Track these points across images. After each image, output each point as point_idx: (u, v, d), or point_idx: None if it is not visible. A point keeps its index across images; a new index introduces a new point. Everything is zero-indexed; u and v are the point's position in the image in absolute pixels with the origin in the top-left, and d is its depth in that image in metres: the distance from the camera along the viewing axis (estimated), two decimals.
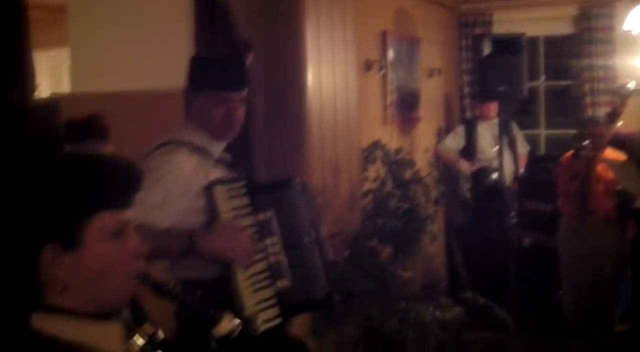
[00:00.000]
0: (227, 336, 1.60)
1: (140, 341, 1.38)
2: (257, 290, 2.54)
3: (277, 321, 2.59)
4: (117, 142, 2.96)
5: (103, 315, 1.27)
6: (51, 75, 6.88)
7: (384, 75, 5.23)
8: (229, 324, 1.59)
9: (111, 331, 1.27)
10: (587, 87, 6.43)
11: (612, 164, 4.76)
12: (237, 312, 2.47)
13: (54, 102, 3.80)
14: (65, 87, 6.83)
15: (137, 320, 1.40)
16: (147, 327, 1.43)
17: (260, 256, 2.56)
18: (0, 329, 1.15)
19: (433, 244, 5.07)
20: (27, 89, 2.34)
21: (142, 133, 3.01)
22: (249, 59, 3.31)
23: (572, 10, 6.56)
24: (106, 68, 3.91)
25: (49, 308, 1.21)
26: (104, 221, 1.24)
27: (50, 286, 1.21)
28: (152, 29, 3.68)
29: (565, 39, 6.85)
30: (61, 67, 7.22)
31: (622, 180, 4.76)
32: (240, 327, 1.61)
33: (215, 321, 1.58)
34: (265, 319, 2.55)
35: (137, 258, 1.30)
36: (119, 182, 1.26)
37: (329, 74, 3.95)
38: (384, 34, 5.26)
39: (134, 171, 1.32)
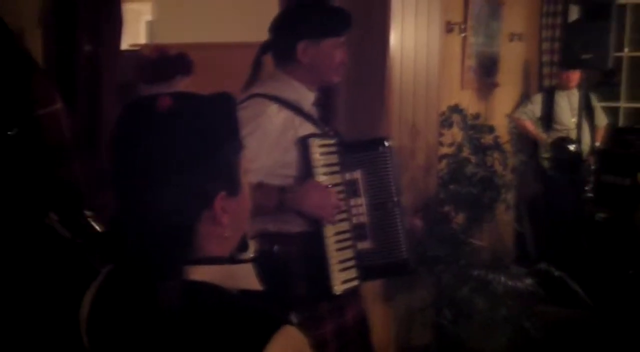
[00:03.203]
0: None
1: None
2: (339, 249, 2.52)
3: (355, 282, 2.57)
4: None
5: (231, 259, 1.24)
6: (129, 27, 7.03)
7: (465, 38, 5.09)
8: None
9: (248, 270, 1.24)
10: None
11: None
12: (321, 269, 2.46)
13: (138, 52, 3.84)
14: (141, 39, 6.92)
15: None
16: None
17: (344, 215, 2.53)
18: (159, 281, 1.12)
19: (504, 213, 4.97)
20: (119, 39, 2.34)
21: (218, 84, 2.98)
22: None
23: None
24: (186, 21, 3.90)
25: (196, 260, 1.17)
26: (243, 160, 1.22)
27: (212, 235, 1.18)
28: None
29: None
30: (137, 20, 7.36)
31: None
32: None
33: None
34: (344, 279, 2.52)
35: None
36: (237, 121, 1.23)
37: (411, 34, 3.85)
38: None
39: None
